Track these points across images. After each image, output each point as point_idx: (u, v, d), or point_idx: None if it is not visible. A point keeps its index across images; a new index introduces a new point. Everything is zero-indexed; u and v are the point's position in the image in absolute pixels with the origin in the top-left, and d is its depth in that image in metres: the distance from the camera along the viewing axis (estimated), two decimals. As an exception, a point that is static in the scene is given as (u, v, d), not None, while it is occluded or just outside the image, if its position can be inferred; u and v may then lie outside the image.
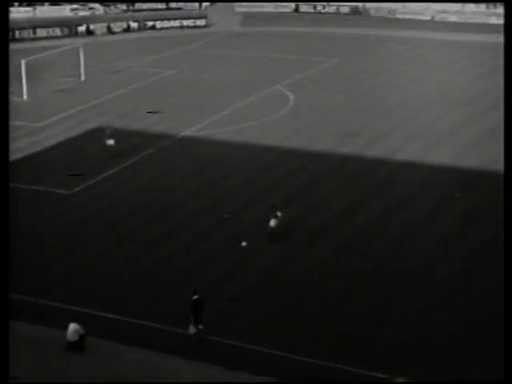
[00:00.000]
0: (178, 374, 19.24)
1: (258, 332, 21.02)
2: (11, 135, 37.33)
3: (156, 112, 31.22)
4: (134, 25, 63.36)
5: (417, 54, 53.81)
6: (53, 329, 21.03)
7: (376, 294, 22.88)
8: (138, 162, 34.05)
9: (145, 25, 63.58)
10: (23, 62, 43.75)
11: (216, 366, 19.56)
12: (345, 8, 69.27)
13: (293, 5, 70.57)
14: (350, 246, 25.94)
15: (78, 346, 20.24)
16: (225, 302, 22.47)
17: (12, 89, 43.83)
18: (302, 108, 41.49)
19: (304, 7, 70.26)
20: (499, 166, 29.02)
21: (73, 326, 20.27)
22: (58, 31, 60.37)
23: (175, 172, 32.84)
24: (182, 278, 23.88)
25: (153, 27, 63.65)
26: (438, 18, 66.14)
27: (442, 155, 33.92)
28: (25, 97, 43.43)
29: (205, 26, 64.14)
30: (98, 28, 62.01)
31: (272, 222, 25.85)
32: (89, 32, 61.34)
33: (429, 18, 66.24)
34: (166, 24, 64.11)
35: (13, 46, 55.36)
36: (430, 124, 38.58)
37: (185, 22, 64.41)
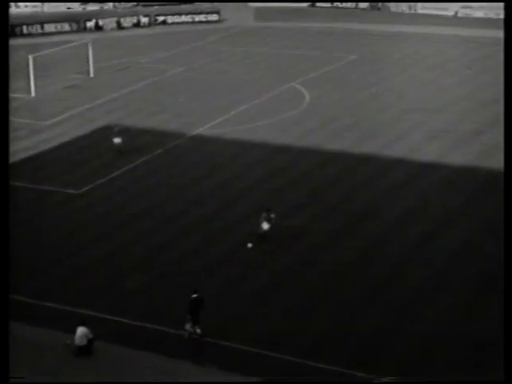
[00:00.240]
0: (188, 379, 19.35)
1: (270, 336, 21.09)
2: (18, 133, 37.87)
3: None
4: (144, 20, 63.64)
5: (438, 51, 53.58)
6: (60, 333, 21.20)
7: (391, 297, 22.86)
8: (147, 161, 34.25)
9: (155, 20, 63.84)
10: (31, 58, 44.13)
11: (228, 372, 19.65)
12: (364, 3, 69.04)
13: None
14: (366, 249, 25.95)
15: (86, 350, 20.41)
16: (234, 305, 22.53)
17: (20, 85, 44.49)
18: (318, 106, 41.50)
19: (321, 2, 70.06)
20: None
21: (81, 330, 20.45)
22: (66, 26, 60.79)
23: (186, 172, 32.99)
24: (192, 280, 23.98)
25: (164, 22, 63.90)
26: (461, 13, 65.39)
27: (463, 156, 33.78)
28: (32, 94, 43.80)
29: (217, 21, 64.30)
30: (108, 23, 62.38)
31: (265, 225, 25.81)
32: (98, 27, 61.73)
33: (452, 13, 65.63)
34: (177, 19, 64.34)
35: (21, 42, 56.13)
36: (450, 124, 38.43)
37: (197, 17, 64.59)
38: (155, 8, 67.30)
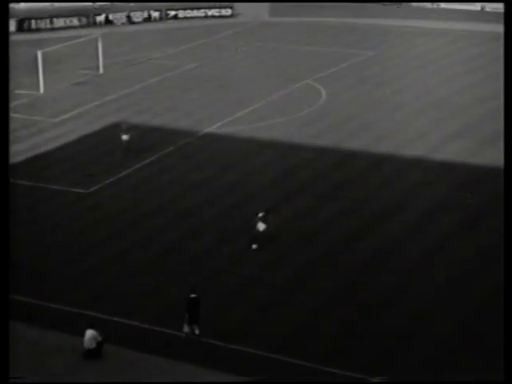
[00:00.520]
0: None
1: (282, 340, 21.16)
2: (27, 131, 38.20)
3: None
4: (155, 14, 63.87)
5: (459, 48, 53.33)
6: (69, 335, 21.39)
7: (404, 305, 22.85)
8: (158, 159, 34.43)
9: (167, 14, 64.07)
10: (39, 54, 44.48)
11: (240, 376, 19.73)
12: (384, -4, 68.53)
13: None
14: (383, 250, 25.94)
15: (95, 353, 20.57)
16: (245, 307, 22.61)
17: (28, 82, 44.85)
18: (335, 104, 41.48)
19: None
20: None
21: (90, 333, 20.61)
22: (75, 21, 61.19)
23: (198, 170, 33.13)
24: (204, 281, 24.11)
25: (175, 17, 64.13)
26: (489, 7, 64.25)
27: (488, 156, 33.62)
28: (41, 90, 44.14)
29: (231, 16, 64.40)
30: (118, 18, 62.71)
31: (261, 227, 25.80)
32: (108, 22, 62.07)
33: (478, 8, 64.68)
34: (189, 13, 64.52)
35: (29, 37, 56.58)
36: (472, 124, 38.24)
37: (209, 12, 64.73)
38: (166, 2, 67.46)
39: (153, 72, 48.03)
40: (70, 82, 46.21)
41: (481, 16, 62.32)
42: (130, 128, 35.27)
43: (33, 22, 60.00)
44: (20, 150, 35.38)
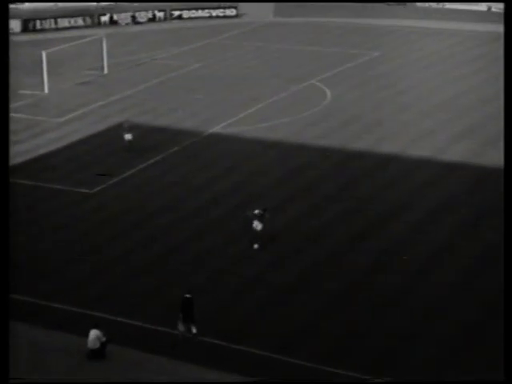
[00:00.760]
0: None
1: (284, 340, 21.20)
2: (31, 131, 38.32)
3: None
4: (159, 14, 64.01)
5: (464, 48, 53.28)
6: (73, 335, 21.46)
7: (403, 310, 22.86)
8: (162, 160, 34.50)
9: (171, 14, 64.19)
10: (44, 54, 44.61)
11: (243, 377, 19.78)
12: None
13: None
14: (388, 251, 25.95)
15: (99, 353, 20.63)
16: (247, 307, 22.65)
17: (33, 82, 45.00)
18: (340, 104, 41.50)
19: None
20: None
21: (94, 333, 20.67)
22: (80, 21, 61.36)
23: (202, 171, 33.18)
24: (207, 281, 24.17)
25: (180, 17, 64.24)
26: (495, 8, 64.09)
27: (492, 156, 33.60)
28: (46, 90, 44.27)
29: (235, 16, 64.48)
30: (122, 18, 62.85)
31: (257, 226, 25.78)
32: (112, 22, 62.22)
33: (484, 8, 64.50)
34: (193, 14, 64.63)
35: (34, 37, 56.75)
36: (477, 124, 38.22)
37: (214, 12, 64.81)
38: (171, 2, 67.55)
39: (157, 72, 48.12)
40: (74, 82, 46.34)
41: (487, 16, 62.19)
42: (133, 127, 35.37)
43: (37, 22, 60.18)
44: (24, 150, 35.50)
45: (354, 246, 26.41)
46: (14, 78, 41.14)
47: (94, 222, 28.65)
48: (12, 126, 33.17)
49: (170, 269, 25.23)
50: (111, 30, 58.94)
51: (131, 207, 29.78)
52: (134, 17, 63.26)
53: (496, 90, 43.06)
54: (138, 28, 61.54)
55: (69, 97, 43.72)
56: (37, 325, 22.09)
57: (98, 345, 20.63)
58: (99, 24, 61.51)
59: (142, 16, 63.65)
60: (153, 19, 63.61)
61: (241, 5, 65.37)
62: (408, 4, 67.27)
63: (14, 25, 57.78)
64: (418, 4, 67.28)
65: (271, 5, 68.14)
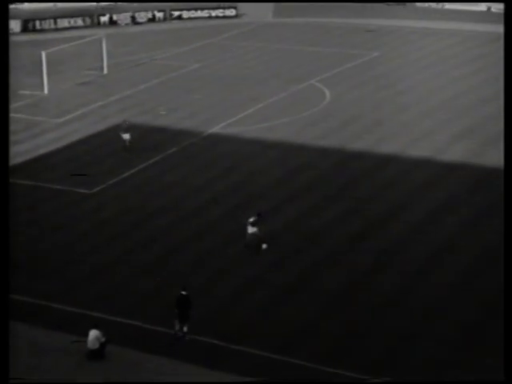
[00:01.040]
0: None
1: (284, 341, 21.19)
2: (31, 131, 38.31)
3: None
4: (159, 15, 64.00)
5: (464, 49, 53.29)
6: (73, 336, 21.44)
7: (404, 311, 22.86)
8: (162, 160, 34.49)
9: (171, 15, 64.18)
10: (44, 54, 44.59)
11: (244, 377, 19.78)
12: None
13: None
14: (387, 251, 25.95)
15: (98, 353, 20.61)
16: (247, 308, 22.65)
17: (32, 82, 44.99)
18: (339, 105, 41.50)
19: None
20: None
21: (93, 333, 20.65)
22: (79, 21, 61.36)
23: (201, 172, 33.17)
24: (207, 282, 24.15)
25: (179, 17, 64.24)
26: (495, 8, 64.13)
27: (492, 156, 33.60)
28: (45, 90, 44.26)
29: (235, 17, 64.48)
30: (122, 18, 62.84)
31: (250, 230, 25.67)
32: (112, 22, 62.21)
33: (484, 8, 64.51)
34: (193, 14, 64.63)
35: (33, 37, 56.73)
36: (477, 124, 38.22)
37: (213, 12, 64.82)
38: (171, 2, 67.55)
39: (157, 72, 48.12)
40: (74, 82, 46.33)
41: (487, 17, 62.19)
42: (131, 127, 35.38)
43: (37, 22, 60.16)
44: (23, 150, 35.49)
45: (353, 246, 26.40)
46: (14, 78, 41.14)
47: (93, 222, 28.63)
48: (12, 127, 33.18)
49: (170, 269, 25.21)
50: (111, 30, 58.93)
51: (131, 207, 29.76)
52: (133, 17, 63.25)
53: (496, 90, 43.09)
54: (137, 28, 61.54)
55: (68, 97, 43.71)
56: (36, 325, 22.08)
57: (97, 345, 20.61)
58: (99, 24, 61.49)
59: (142, 16, 63.65)
60: (152, 19, 63.61)
61: (240, 5, 65.38)
62: (408, 4, 67.31)
63: (14, 25, 57.78)
64: (418, 4, 67.30)
65: (270, 5, 68.16)
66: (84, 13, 62.61)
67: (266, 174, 32.65)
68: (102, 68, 48.21)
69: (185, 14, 64.56)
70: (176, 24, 62.92)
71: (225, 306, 23.00)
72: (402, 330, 21.71)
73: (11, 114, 35.26)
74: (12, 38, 47.29)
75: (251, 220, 25.85)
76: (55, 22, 60.85)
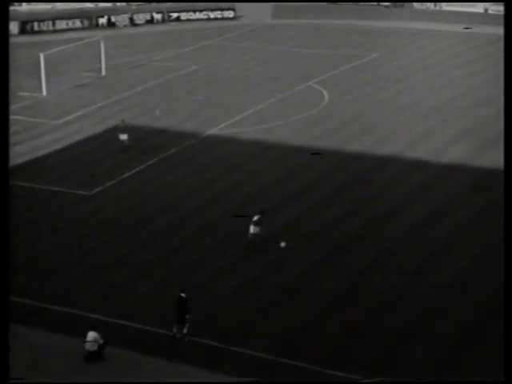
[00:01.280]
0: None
1: (284, 342, 21.18)
2: (30, 133, 38.28)
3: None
4: (157, 16, 64.00)
5: (462, 50, 53.35)
6: (71, 338, 21.41)
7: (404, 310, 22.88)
8: (161, 161, 34.48)
9: (169, 16, 64.18)
10: (42, 56, 44.58)
11: (243, 379, 19.76)
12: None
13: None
14: (386, 252, 25.95)
15: (97, 355, 20.57)
16: (247, 308, 22.64)
17: (31, 84, 44.96)
18: (338, 106, 41.52)
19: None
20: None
21: (92, 335, 20.61)
22: (78, 23, 61.34)
23: (200, 173, 33.17)
24: (207, 283, 24.13)
25: (177, 19, 64.23)
26: (492, 10, 64.23)
27: (489, 158, 33.62)
28: (44, 92, 44.23)
29: (233, 18, 64.48)
30: (120, 20, 62.83)
31: (252, 229, 25.70)
32: (110, 24, 62.20)
33: (481, 10, 64.63)
34: (191, 16, 64.63)
35: (32, 39, 56.70)
36: (475, 126, 38.25)
37: (212, 14, 64.81)
38: (169, 4, 67.61)
39: (155, 74, 48.11)
40: (72, 84, 46.31)
41: (484, 18, 62.24)
42: (128, 128, 35.40)
43: (35, 24, 60.13)
44: (22, 151, 35.46)
45: (352, 247, 26.40)
46: (12, 80, 40.98)
47: (92, 223, 28.60)
48: (10, 128, 33.14)
49: (170, 270, 25.19)
50: (109, 32, 58.92)
51: (130, 208, 29.74)
52: (131, 19, 63.25)
53: (494, 91, 43.17)
54: (135, 30, 61.53)
55: (67, 99, 43.69)
56: (35, 327, 22.04)
57: (95, 347, 20.57)
58: (97, 26, 61.47)
59: (140, 18, 63.65)
60: (151, 21, 63.60)
61: (239, 7, 65.40)
62: (406, 6, 67.39)
63: (12, 27, 57.71)
64: (416, 6, 67.39)
65: (269, 7, 68.19)
66: (82, 14, 62.62)
67: (264, 175, 32.65)
68: (100, 70, 48.18)
69: (183, 16, 64.55)
70: (174, 26, 62.91)
71: (224, 307, 22.99)
72: (402, 331, 21.71)
73: (10, 116, 35.21)
74: (10, 40, 47.24)
75: (255, 219, 25.83)
76: (53, 24, 60.80)
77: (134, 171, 33.33)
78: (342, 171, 32.90)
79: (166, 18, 64.17)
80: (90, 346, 20.51)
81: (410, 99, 42.61)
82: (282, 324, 22.08)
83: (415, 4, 67.71)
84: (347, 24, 61.36)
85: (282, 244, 25.60)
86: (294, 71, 48.30)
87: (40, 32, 59.57)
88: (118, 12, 64.09)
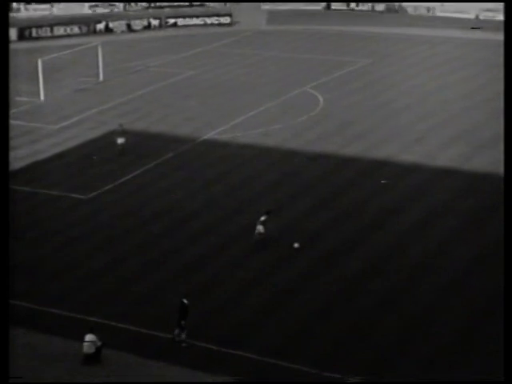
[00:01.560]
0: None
1: (281, 345, 21.12)
2: (27, 137, 38.23)
3: None
4: (154, 22, 64.02)
5: (456, 56, 53.48)
6: (69, 340, 21.33)
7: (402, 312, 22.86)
8: (157, 165, 34.43)
9: (166, 22, 64.22)
10: (40, 62, 44.54)
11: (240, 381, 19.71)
12: (380, 6, 68.94)
13: (324, 2, 70.64)
14: (381, 255, 25.93)
15: (94, 358, 20.50)
16: (244, 312, 22.58)
17: (29, 89, 44.91)
18: (333, 111, 41.55)
19: (336, 4, 70.13)
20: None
21: (89, 338, 20.54)
22: (76, 29, 61.33)
23: (197, 176, 33.14)
24: (204, 287, 24.07)
25: (174, 25, 64.27)
26: (483, 16, 64.79)
27: (482, 161, 33.67)
28: (42, 97, 44.19)
29: (229, 24, 64.55)
30: (118, 26, 62.84)
31: (260, 228, 25.97)
32: (108, 30, 62.21)
33: (472, 16, 65.08)
34: (188, 21, 64.66)
35: (30, 45, 56.68)
36: (468, 130, 38.33)
37: (208, 20, 64.88)
38: (166, 10, 67.71)
39: (152, 79, 48.11)
40: (70, 89, 46.28)
41: (476, 24, 62.52)
42: (126, 131, 35.38)
43: (33, 30, 60.10)
44: (20, 156, 35.39)
45: (346, 250, 26.37)
46: (11, 85, 40.96)
47: (89, 227, 28.51)
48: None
49: (166, 273, 25.13)
50: (107, 37, 58.91)
51: (127, 212, 29.68)
52: (129, 25, 63.27)
53: (487, 95, 43.32)
54: (133, 36, 61.54)
55: (65, 104, 43.64)
56: (32, 329, 21.94)
57: (93, 349, 20.50)
58: (95, 32, 61.45)
59: (137, 24, 63.67)
60: (148, 27, 63.63)
61: (235, 13, 65.50)
62: (399, 12, 67.63)
63: (11, 33, 57.64)
64: (410, 12, 67.64)
65: (264, 13, 68.33)
66: (80, 21, 62.63)
67: (260, 179, 32.63)
68: (98, 75, 48.17)
69: (180, 22, 64.61)
70: (171, 31, 62.96)
71: (221, 311, 22.92)
72: (400, 331, 21.63)
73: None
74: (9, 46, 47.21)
75: (262, 219, 26.00)
76: (51, 30, 60.79)
77: (130, 175, 33.28)
78: (337, 175, 32.91)
79: (163, 23, 64.21)
80: (88, 349, 20.44)
81: (404, 103, 42.68)
82: (279, 326, 21.99)
83: (409, 10, 68.04)
84: (341, 30, 61.49)
85: (296, 245, 25.66)
86: (289, 76, 48.35)
87: (38, 38, 59.53)
88: (115, 18, 64.15)
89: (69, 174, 33.63)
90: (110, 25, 62.54)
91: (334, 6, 70.13)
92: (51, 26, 61.00)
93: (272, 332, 21.78)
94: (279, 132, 38.34)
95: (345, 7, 69.90)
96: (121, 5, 68.54)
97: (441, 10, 66.97)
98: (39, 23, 61.29)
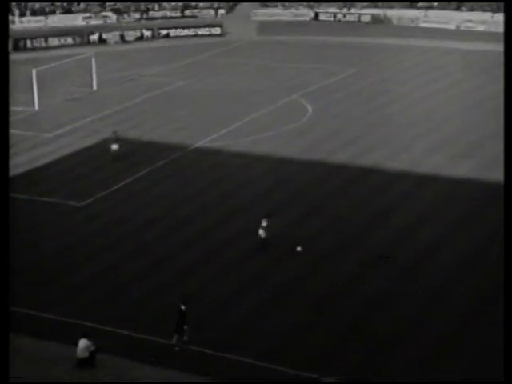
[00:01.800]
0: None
1: (272, 349, 21.00)
2: (22, 146, 38.01)
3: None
4: (147, 33, 64.00)
5: (440, 65, 53.80)
6: (63, 345, 21.11)
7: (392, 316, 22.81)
8: (150, 173, 34.31)
9: (159, 33, 64.20)
10: (34, 72, 44.37)
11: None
12: (366, 17, 69.43)
13: (311, 13, 70.98)
14: (370, 261, 25.89)
15: (88, 362, 20.29)
16: (235, 317, 22.47)
17: (23, 98, 44.72)
18: (321, 119, 41.59)
19: (323, 16, 70.60)
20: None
21: (83, 342, 20.34)
22: (70, 40, 61.16)
23: (189, 184, 33.02)
24: (197, 292, 23.93)
25: (167, 36, 64.26)
26: (463, 27, 65.84)
27: (466, 168, 33.77)
28: (36, 107, 43.99)
29: (220, 35, 64.63)
30: (111, 37, 62.74)
31: (262, 233, 26.10)
32: (101, 41, 62.09)
33: (453, 27, 66.00)
34: (180, 32, 64.69)
35: (24, 56, 56.48)
36: (453, 136, 38.48)
37: (199, 31, 64.93)
38: (158, 22, 67.70)
39: (145, 89, 48.04)
40: (64, 98, 46.12)
41: (457, 35, 63.37)
42: (119, 138, 35.29)
43: (28, 41, 59.90)
44: (15, 164, 35.15)
45: (338, 255, 26.30)
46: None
47: (83, 234, 28.32)
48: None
49: (160, 278, 24.95)
50: (100, 48, 58.82)
51: (121, 218, 29.51)
52: (122, 36, 63.19)
53: (473, 102, 43.56)
54: (126, 46, 61.48)
55: (59, 112, 43.46)
56: (26, 334, 21.70)
57: (87, 354, 20.29)
58: (88, 43, 61.35)
59: (130, 35, 63.62)
60: (141, 38, 63.60)
61: (226, 24, 65.56)
62: (385, 22, 68.12)
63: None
64: (395, 23, 68.17)
65: (255, 24, 68.47)
66: (74, 32, 62.50)
67: (251, 187, 32.55)
68: (91, 85, 48.03)
69: (172, 33, 64.62)
70: (163, 42, 62.95)
71: (212, 315, 22.79)
72: (398, 331, 21.49)
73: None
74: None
75: (264, 224, 26.10)
76: (46, 41, 60.61)
77: (124, 182, 33.13)
78: (326, 182, 32.87)
79: (156, 34, 64.19)
80: (82, 353, 20.24)
81: (391, 111, 42.80)
82: (271, 330, 21.86)
83: (394, 20, 68.58)
84: (329, 40, 61.74)
85: (298, 248, 25.63)
86: (278, 85, 48.40)
87: (33, 49, 59.35)
88: (108, 29, 64.07)
89: (63, 182, 33.42)
90: (104, 36, 62.44)
91: (322, 17, 70.55)
92: (45, 37, 60.84)
93: (264, 336, 21.64)
94: (269, 140, 38.31)
95: (332, 18, 70.32)
96: (114, 16, 68.53)
97: (424, 20, 67.74)
98: (34, 34, 61.09)
